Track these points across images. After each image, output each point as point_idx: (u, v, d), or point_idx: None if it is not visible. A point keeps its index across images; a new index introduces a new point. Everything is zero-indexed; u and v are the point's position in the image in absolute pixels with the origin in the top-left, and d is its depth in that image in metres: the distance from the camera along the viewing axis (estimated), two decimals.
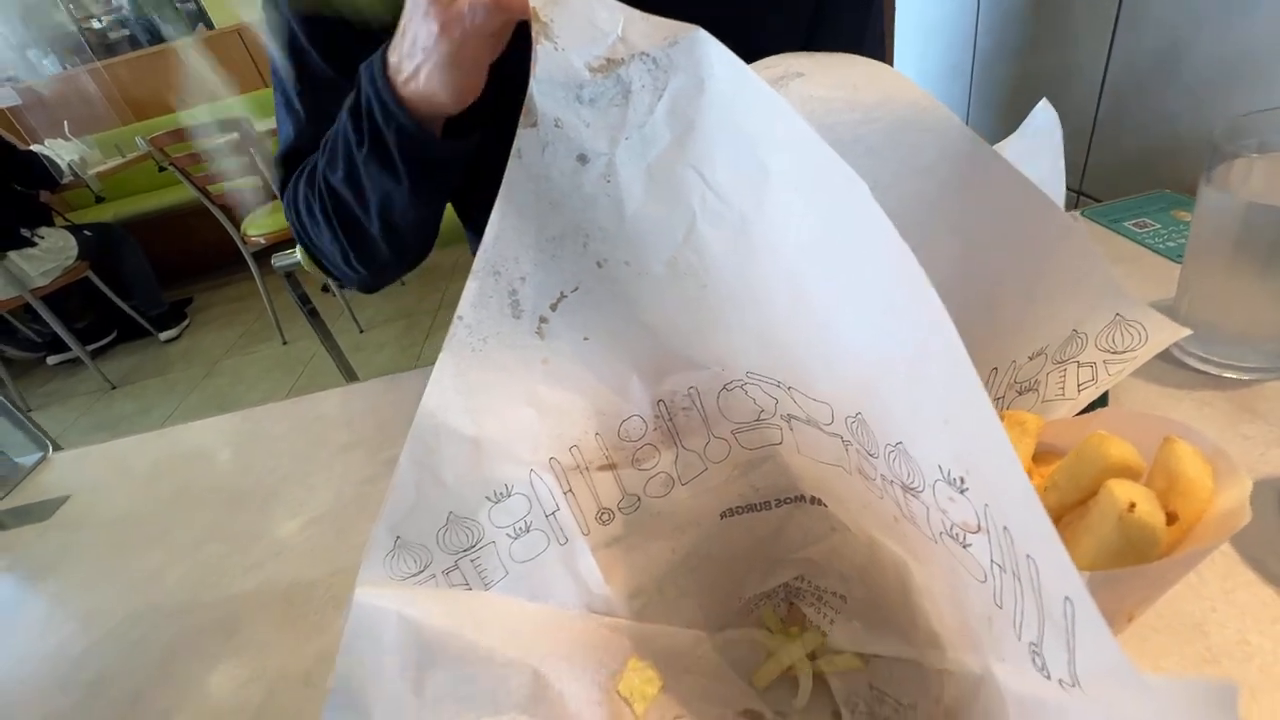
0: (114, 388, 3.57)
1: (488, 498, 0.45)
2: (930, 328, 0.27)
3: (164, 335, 3.96)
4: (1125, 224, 0.87)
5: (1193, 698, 0.21)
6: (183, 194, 3.79)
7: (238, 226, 3.31)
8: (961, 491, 0.29)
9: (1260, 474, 0.55)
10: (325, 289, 3.61)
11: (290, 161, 0.85)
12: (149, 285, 3.92)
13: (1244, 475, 0.31)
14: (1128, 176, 0.83)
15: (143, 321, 3.91)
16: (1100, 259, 0.38)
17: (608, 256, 0.40)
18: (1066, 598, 0.24)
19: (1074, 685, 0.26)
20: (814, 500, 0.48)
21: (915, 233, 0.28)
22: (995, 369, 0.44)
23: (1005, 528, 0.27)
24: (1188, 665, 0.43)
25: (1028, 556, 0.26)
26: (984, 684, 0.34)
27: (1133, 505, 0.29)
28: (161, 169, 3.32)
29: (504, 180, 0.40)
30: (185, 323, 4.10)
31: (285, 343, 3.63)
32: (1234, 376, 0.64)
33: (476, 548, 0.46)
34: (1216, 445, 0.32)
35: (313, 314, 2.95)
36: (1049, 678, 0.27)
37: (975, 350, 0.40)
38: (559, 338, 0.42)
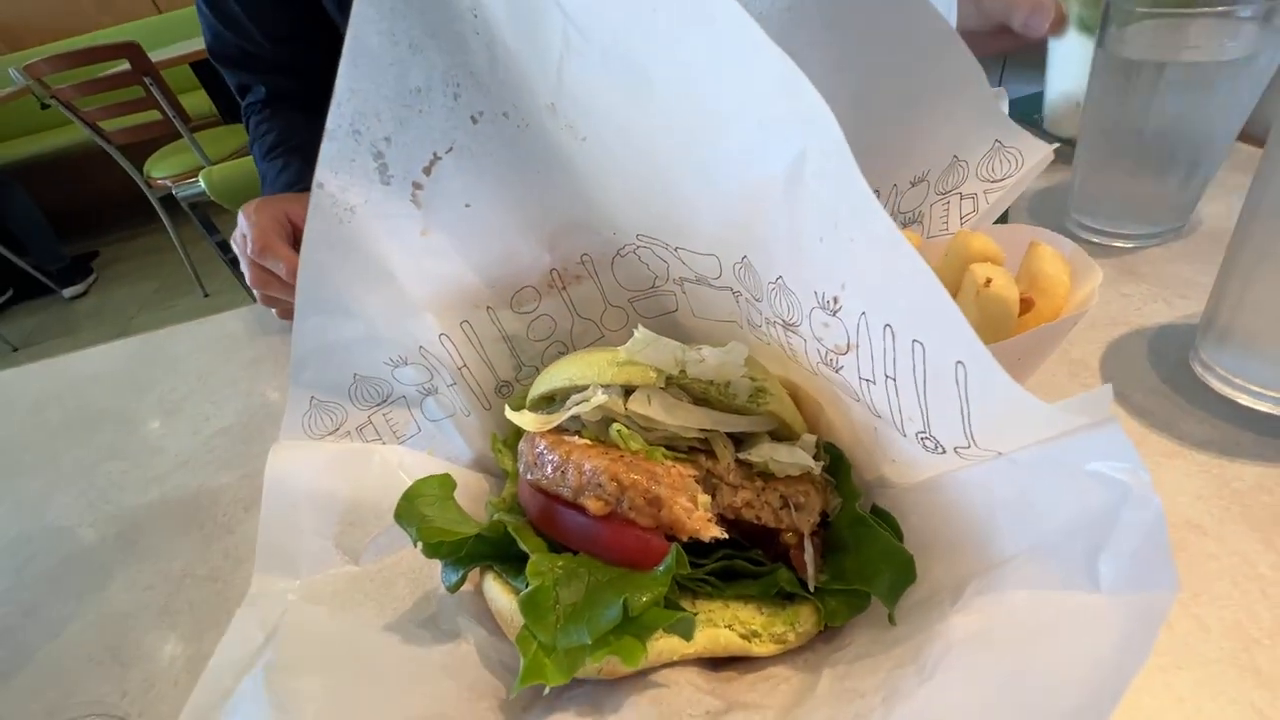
0: (15, 350, 3.30)
1: (385, 363, 0.44)
2: (807, 126, 0.26)
3: (68, 292, 3.65)
4: (1034, 115, 0.89)
5: (1077, 405, 0.23)
6: (73, 134, 3.43)
7: (140, 169, 3.03)
8: (834, 313, 0.30)
9: (1134, 325, 0.59)
10: None
11: (216, 57, 0.93)
12: (45, 237, 3.59)
13: (1098, 270, 0.33)
14: (1042, 72, 0.85)
15: (42, 278, 3.59)
16: (980, 74, 0.38)
17: (483, 109, 0.37)
18: (959, 362, 0.25)
19: (969, 446, 0.28)
20: None
21: (787, 31, 0.26)
22: (877, 190, 0.43)
23: (887, 325, 0.27)
24: None
25: (914, 343, 0.27)
26: (871, 488, 0.36)
27: (989, 281, 0.30)
28: (44, 105, 2.99)
29: (351, 22, 0.35)
30: (91, 278, 3.79)
31: (207, 295, 3.42)
32: (1120, 245, 0.68)
33: (388, 402, 0.45)
34: (1076, 246, 0.34)
35: (234, 263, 2.76)
36: (944, 452, 0.30)
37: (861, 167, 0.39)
38: (437, 206, 0.39)
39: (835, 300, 0.28)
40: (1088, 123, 0.66)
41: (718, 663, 0.34)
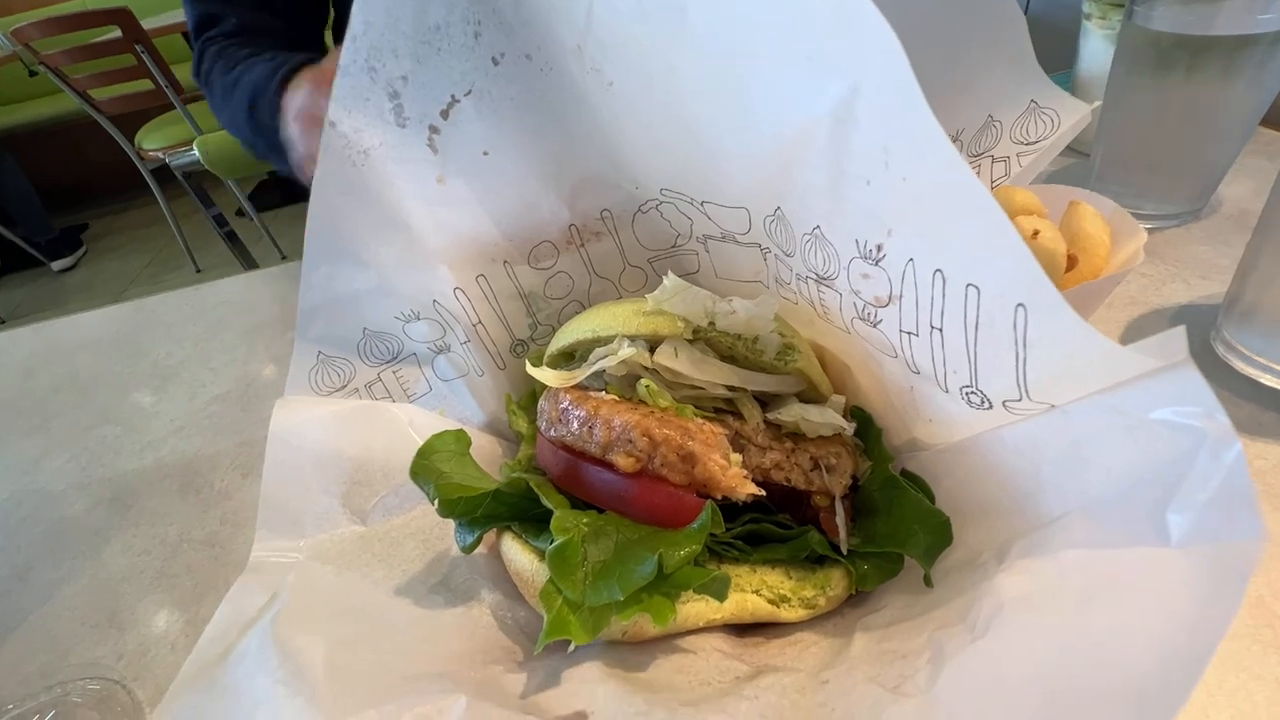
0: (3, 322, 3.25)
1: (396, 317, 0.42)
2: (864, 57, 0.24)
3: (57, 265, 3.59)
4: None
5: (1150, 347, 0.21)
6: (63, 104, 3.35)
7: (131, 140, 2.96)
8: (876, 263, 0.28)
9: (1154, 305, 0.58)
10: (240, 212, 3.34)
11: (205, 27, 0.87)
12: (33, 209, 3.52)
13: (1141, 230, 0.32)
14: (1064, 53, 0.83)
15: (31, 249, 3.52)
16: (1023, 25, 0.37)
17: (505, 50, 0.35)
18: (1019, 304, 0.24)
19: (1020, 398, 0.27)
20: None
21: None
22: None
23: (937, 270, 0.26)
24: None
25: (968, 287, 0.25)
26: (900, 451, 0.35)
27: (1036, 233, 0.29)
28: (32, 73, 2.92)
29: None
30: (81, 251, 3.72)
31: (199, 270, 3.37)
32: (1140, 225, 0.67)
33: (399, 359, 0.44)
34: (1118, 207, 0.33)
35: (231, 237, 2.71)
36: (990, 407, 0.28)
37: None
38: (455, 152, 0.38)
39: (879, 248, 0.27)
40: (1111, 99, 0.64)
41: (743, 630, 0.33)
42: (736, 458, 0.32)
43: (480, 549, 0.36)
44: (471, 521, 0.34)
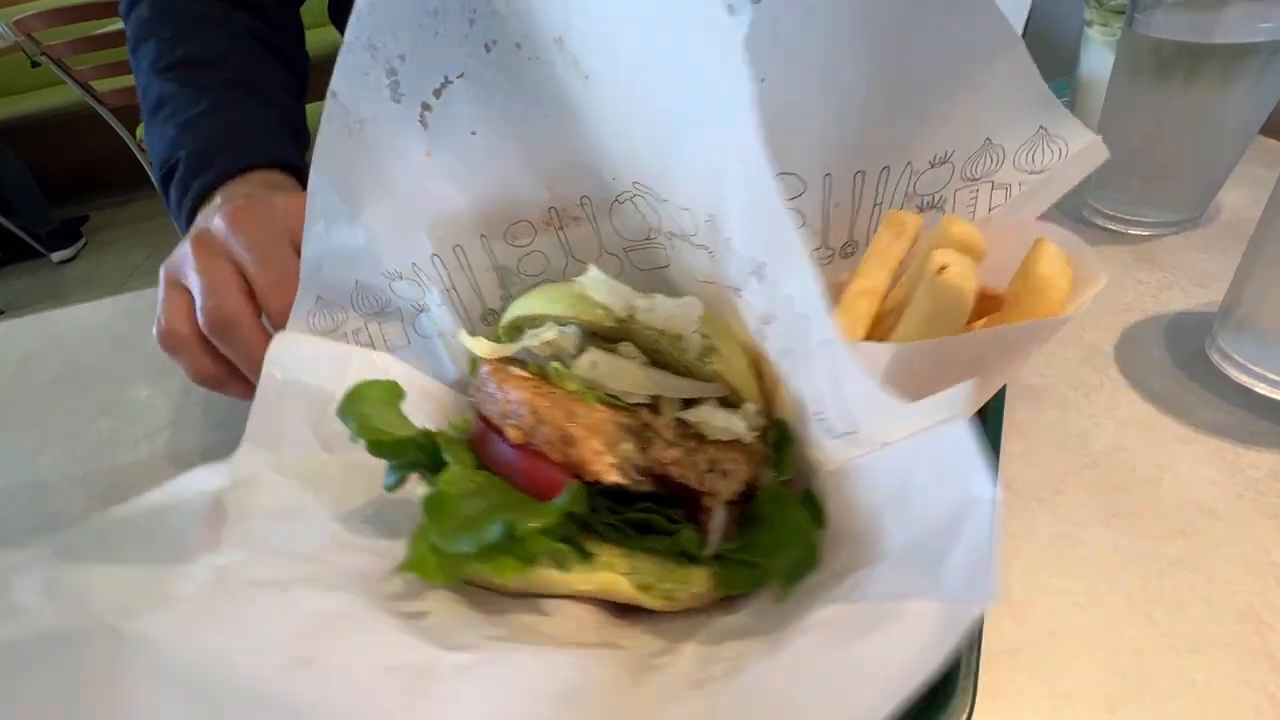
0: (2, 312, 3.24)
1: (383, 274, 0.44)
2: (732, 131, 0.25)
3: (56, 256, 3.58)
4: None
5: (936, 405, 0.23)
6: (65, 95, 3.34)
7: (133, 132, 2.96)
8: (761, 280, 0.29)
9: (1150, 312, 0.58)
10: None
11: None
12: (33, 200, 3.51)
13: (1102, 277, 0.31)
14: (1066, 60, 0.83)
15: (30, 241, 3.52)
16: (1018, 40, 0.35)
17: (497, 38, 0.37)
18: (825, 341, 0.25)
19: (854, 432, 0.28)
20: None
21: None
22: (887, 168, 0.41)
23: (789, 295, 0.27)
24: (1070, 470, 0.46)
25: (803, 316, 0.26)
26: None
27: (943, 268, 0.28)
28: (34, 64, 2.91)
29: None
30: (81, 242, 3.71)
31: None
32: (1136, 233, 0.67)
33: (385, 312, 0.46)
34: (1088, 252, 0.31)
35: None
36: (839, 436, 0.30)
37: (866, 138, 0.38)
38: (443, 129, 0.40)
39: (763, 265, 0.28)
40: (1111, 106, 0.64)
41: (621, 610, 0.35)
42: (627, 448, 0.33)
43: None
44: (400, 465, 0.37)
